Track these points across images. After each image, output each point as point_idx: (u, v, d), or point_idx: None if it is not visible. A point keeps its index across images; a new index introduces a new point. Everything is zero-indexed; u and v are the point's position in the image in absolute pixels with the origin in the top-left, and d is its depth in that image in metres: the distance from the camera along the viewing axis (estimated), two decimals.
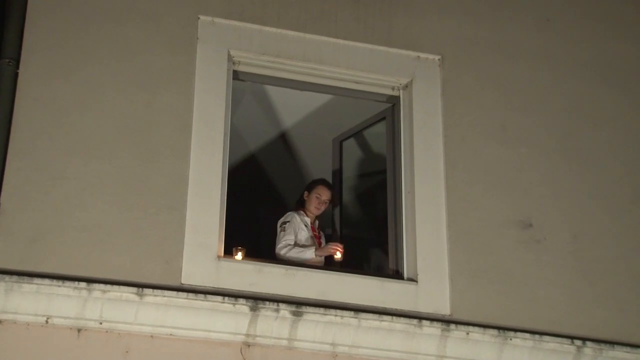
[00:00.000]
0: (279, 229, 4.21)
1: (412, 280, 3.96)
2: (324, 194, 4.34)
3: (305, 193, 4.37)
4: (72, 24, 3.96)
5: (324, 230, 4.53)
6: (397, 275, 4.02)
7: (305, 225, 4.24)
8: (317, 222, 4.38)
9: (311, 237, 4.24)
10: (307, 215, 4.31)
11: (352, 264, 4.22)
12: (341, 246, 4.04)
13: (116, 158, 3.81)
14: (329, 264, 4.19)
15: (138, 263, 3.66)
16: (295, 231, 4.17)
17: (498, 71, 4.40)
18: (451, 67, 4.34)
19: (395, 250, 4.09)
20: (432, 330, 3.76)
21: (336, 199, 4.53)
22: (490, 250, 4.06)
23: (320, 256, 4.07)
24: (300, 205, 4.37)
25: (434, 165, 4.15)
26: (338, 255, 3.99)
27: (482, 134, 4.25)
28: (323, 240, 4.38)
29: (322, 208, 4.34)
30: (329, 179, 4.71)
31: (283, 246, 4.09)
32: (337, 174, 4.80)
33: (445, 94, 4.29)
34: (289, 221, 4.20)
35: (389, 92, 4.33)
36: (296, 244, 4.12)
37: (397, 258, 4.07)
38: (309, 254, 4.04)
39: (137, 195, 3.76)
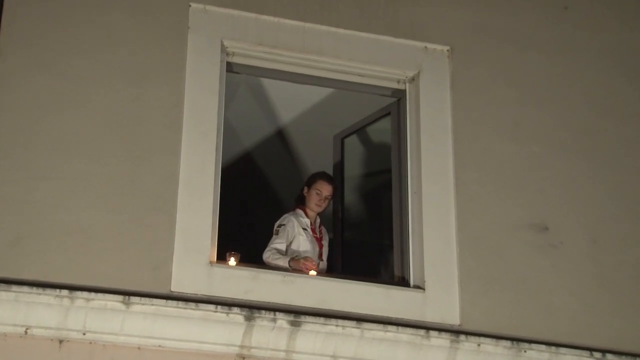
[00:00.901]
0: (273, 232, 4.21)
1: (419, 287, 3.96)
2: (325, 189, 4.29)
3: (305, 189, 4.33)
4: (53, 12, 3.95)
5: (316, 223, 4.45)
6: (403, 282, 4.03)
7: (305, 228, 4.22)
8: (318, 219, 4.35)
9: (311, 240, 4.22)
10: (307, 215, 4.28)
11: (355, 270, 4.24)
12: (315, 265, 3.98)
13: (101, 156, 3.82)
14: (330, 270, 4.22)
15: (124, 269, 3.66)
16: (289, 237, 4.14)
17: (511, 63, 4.40)
18: (461, 59, 4.34)
19: (401, 255, 4.10)
20: (440, 341, 3.76)
21: (337, 194, 4.49)
22: (503, 255, 4.06)
23: (292, 266, 4.02)
24: (299, 203, 4.33)
25: (442, 164, 4.15)
26: (312, 273, 3.95)
27: (494, 131, 4.26)
28: (326, 242, 4.35)
29: (324, 205, 4.29)
30: (332, 177, 4.68)
31: (267, 250, 4.06)
32: (339, 173, 4.80)
33: (455, 87, 4.28)
34: (284, 224, 4.19)
35: (394, 85, 4.33)
36: (287, 250, 4.11)
37: (403, 264, 4.08)
38: (284, 263, 3.99)
39: (123, 196, 3.77)
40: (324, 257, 4.23)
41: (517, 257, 4.06)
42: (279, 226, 4.19)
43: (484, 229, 4.07)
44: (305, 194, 4.31)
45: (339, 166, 4.82)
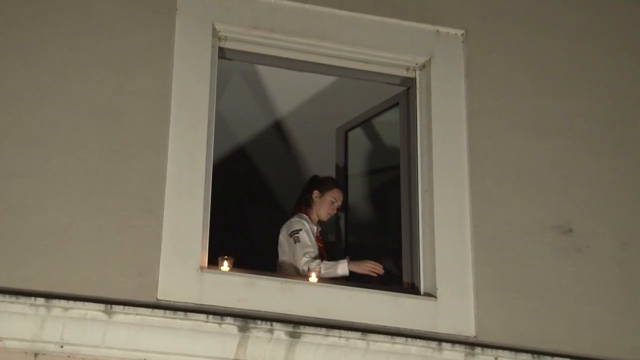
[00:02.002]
0: (288, 240, 4.16)
1: (431, 295, 3.96)
2: (339, 198, 4.32)
3: (316, 193, 4.32)
4: None
5: (326, 237, 4.54)
6: (413, 289, 4.03)
7: (313, 234, 4.21)
8: (319, 227, 4.35)
9: (317, 248, 4.20)
10: (312, 221, 4.28)
11: (360, 277, 4.21)
12: (381, 267, 4.01)
13: (80, 151, 3.82)
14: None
15: (106, 275, 3.66)
16: (312, 240, 4.13)
17: (532, 48, 4.39)
18: (476, 44, 4.33)
19: (411, 260, 4.10)
20: (454, 354, 3.76)
21: (346, 206, 4.55)
22: (523, 260, 4.05)
23: (354, 271, 4.03)
24: (304, 207, 4.31)
25: (455, 159, 4.15)
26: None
27: (513, 123, 4.26)
28: (324, 253, 4.34)
29: (332, 215, 4.33)
30: (332, 174, 4.71)
31: (308, 261, 4.04)
32: (342, 169, 4.80)
33: (470, 75, 4.28)
34: (300, 229, 4.16)
35: (403, 73, 4.33)
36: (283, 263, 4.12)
37: (413, 269, 4.08)
38: (342, 268, 4.00)
39: (105, 196, 3.77)
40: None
41: (539, 262, 4.06)
42: (295, 232, 4.15)
43: (502, 231, 4.07)
44: (315, 199, 4.30)
45: (342, 162, 4.83)
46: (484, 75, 4.29)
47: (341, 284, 3.95)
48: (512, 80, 4.32)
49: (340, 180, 4.66)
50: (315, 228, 4.26)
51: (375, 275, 4.01)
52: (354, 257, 4.21)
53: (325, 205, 4.28)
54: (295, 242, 4.12)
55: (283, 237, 4.21)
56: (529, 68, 4.35)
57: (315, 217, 4.30)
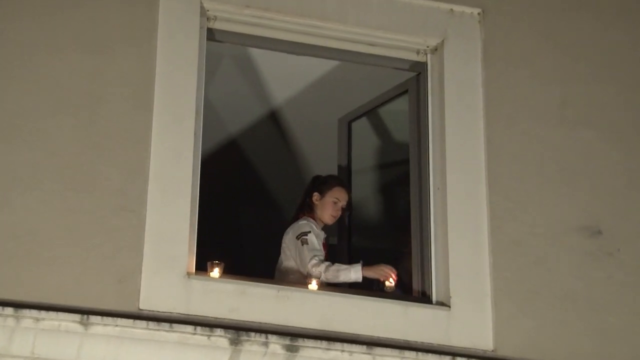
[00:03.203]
0: (295, 243, 4.17)
1: (444, 304, 3.96)
2: (343, 198, 4.31)
3: (316, 195, 4.33)
4: None
5: (327, 240, 4.51)
6: (424, 298, 4.03)
7: (320, 240, 4.20)
8: (324, 234, 4.34)
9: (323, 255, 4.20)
10: (318, 227, 4.27)
11: (364, 284, 4.20)
12: (395, 273, 4.02)
13: (53, 144, 3.81)
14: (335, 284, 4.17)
15: (82, 282, 3.66)
16: (320, 245, 4.13)
17: (557, 29, 4.39)
18: (495, 24, 4.33)
19: (421, 265, 4.10)
20: None
21: (350, 204, 4.51)
22: (547, 265, 4.06)
23: (367, 277, 4.03)
24: (307, 211, 4.31)
25: (471, 153, 4.15)
26: (390, 283, 3.99)
27: (536, 112, 4.26)
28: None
29: (338, 217, 4.31)
30: (334, 170, 4.72)
31: (318, 262, 4.03)
32: (344, 164, 4.80)
33: (487, 59, 4.28)
34: (309, 231, 4.16)
35: (413, 57, 4.33)
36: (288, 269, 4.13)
37: (424, 275, 4.08)
38: (355, 273, 4.00)
39: (80, 193, 3.77)
40: None
41: (564, 268, 4.07)
42: (303, 235, 4.15)
43: (523, 233, 4.08)
44: (316, 201, 4.31)
45: (345, 156, 4.83)
46: (503, 59, 4.29)
47: (344, 291, 3.95)
48: (534, 64, 4.31)
49: (343, 177, 4.67)
50: (322, 234, 4.26)
51: (389, 282, 3.99)
52: (358, 260, 4.20)
53: (327, 207, 4.28)
54: (302, 245, 4.12)
55: (289, 240, 4.21)
56: (553, 51, 4.35)
57: (320, 223, 4.29)
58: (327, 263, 4.04)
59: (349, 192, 4.37)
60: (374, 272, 4.03)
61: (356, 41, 4.28)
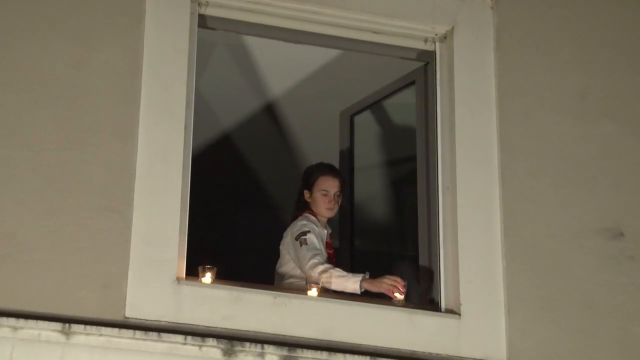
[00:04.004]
0: (294, 244, 4.16)
1: (453, 312, 3.97)
2: (331, 185, 4.28)
3: (305, 193, 4.33)
4: None
5: (332, 237, 4.50)
6: (432, 305, 4.04)
7: (322, 240, 4.20)
8: (329, 229, 4.33)
9: (326, 256, 4.19)
10: (320, 223, 4.25)
11: (368, 290, 4.15)
12: (403, 284, 3.92)
13: (32, 140, 3.81)
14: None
15: (63, 288, 3.66)
16: (321, 245, 4.11)
17: (576, 14, 4.39)
18: (509, 9, 4.33)
19: (429, 269, 4.11)
20: None
21: (346, 185, 4.48)
22: (564, 270, 4.06)
23: (367, 290, 3.97)
24: (305, 209, 4.30)
25: (483, 149, 4.15)
26: (399, 297, 3.91)
27: (553, 105, 4.25)
28: (335, 262, 4.31)
29: (336, 206, 4.30)
30: (336, 165, 4.68)
31: (317, 263, 4.00)
32: (347, 160, 4.82)
33: (501, 48, 4.28)
34: (309, 231, 4.15)
35: (421, 45, 4.33)
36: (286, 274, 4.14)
37: (432, 281, 4.08)
38: (353, 284, 3.95)
39: (62, 193, 3.76)
40: None
41: (583, 272, 4.07)
42: (302, 235, 4.14)
43: (539, 236, 4.08)
44: (308, 200, 4.31)
45: (348, 152, 4.84)
46: (517, 48, 4.29)
47: (346, 298, 3.94)
48: (551, 53, 4.31)
49: (344, 175, 4.65)
50: (325, 232, 4.25)
51: (398, 295, 3.91)
52: (361, 265, 4.20)
53: (319, 201, 4.27)
54: (301, 245, 4.11)
55: (288, 241, 4.20)
56: (572, 38, 4.35)
57: (321, 218, 4.28)
58: (327, 265, 4.01)
59: (337, 176, 4.31)
60: (376, 287, 3.92)
61: (359, 28, 4.28)
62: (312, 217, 4.26)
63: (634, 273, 4.08)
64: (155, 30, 3.98)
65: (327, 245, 4.25)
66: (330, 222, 4.48)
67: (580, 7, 4.40)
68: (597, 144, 4.23)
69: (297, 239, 4.15)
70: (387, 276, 3.97)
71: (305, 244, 4.10)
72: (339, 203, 4.32)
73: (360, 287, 3.94)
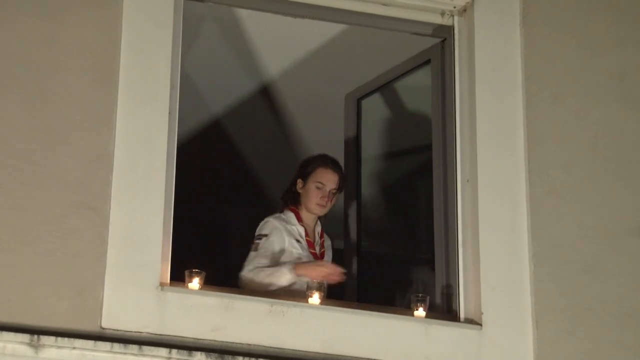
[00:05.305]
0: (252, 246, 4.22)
1: (474, 322, 3.97)
2: (329, 180, 4.30)
3: (298, 183, 4.34)
4: None
5: (332, 241, 4.51)
6: (450, 315, 4.03)
7: (298, 240, 4.22)
8: (319, 226, 4.35)
9: (307, 256, 4.21)
10: (302, 219, 4.28)
11: (376, 298, 4.29)
12: (341, 271, 3.97)
13: None
14: (339, 296, 4.20)
15: (32, 296, 3.65)
16: (274, 252, 4.15)
17: None
18: None
19: (446, 275, 4.10)
20: None
21: (350, 184, 4.51)
22: (599, 274, 4.06)
23: (301, 276, 4.03)
24: (291, 202, 4.32)
25: (508, 137, 4.15)
26: (317, 291, 3.91)
27: (587, 87, 4.26)
28: (328, 257, 4.34)
29: (329, 204, 4.32)
30: (340, 156, 4.69)
31: (247, 270, 4.09)
32: (352, 150, 4.81)
33: (527, 22, 4.28)
34: (266, 235, 4.20)
35: (437, 19, 4.33)
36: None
37: (449, 287, 4.08)
38: (285, 275, 4.01)
39: (29, 187, 3.76)
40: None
41: (620, 277, 4.07)
42: (259, 237, 4.20)
43: (571, 236, 4.09)
44: (299, 190, 4.32)
45: (353, 141, 4.85)
46: (546, 22, 4.29)
47: (352, 306, 3.95)
48: (585, 29, 4.31)
49: (350, 166, 4.65)
50: (303, 229, 4.26)
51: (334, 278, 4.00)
52: (368, 269, 4.19)
53: (312, 194, 4.28)
54: (251, 250, 4.16)
55: None
56: (608, 12, 4.35)
57: (307, 215, 4.29)
58: (256, 270, 4.06)
59: (338, 172, 4.33)
60: (307, 271, 3.98)
61: (367, 0, 4.28)
62: (290, 214, 4.27)
63: None
64: (135, 3, 3.98)
65: (309, 245, 4.24)
66: (332, 220, 4.50)
67: None
68: (636, 132, 4.24)
69: (254, 241, 4.20)
70: (324, 262, 4.07)
71: (255, 250, 4.15)
72: (333, 202, 4.32)
73: (295, 275, 3.99)
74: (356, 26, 4.52)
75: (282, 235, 4.19)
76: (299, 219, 4.28)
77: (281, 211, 4.32)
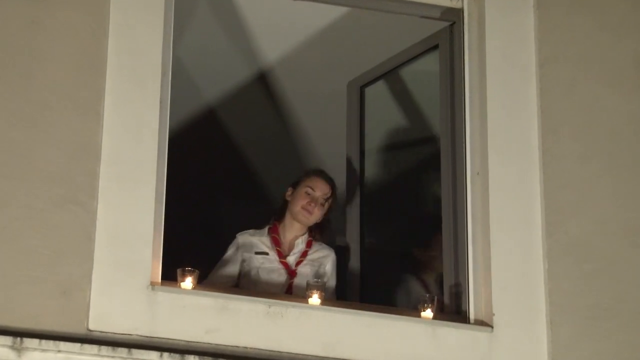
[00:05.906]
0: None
1: (485, 324, 3.97)
2: (319, 187, 4.34)
3: (289, 190, 4.39)
4: None
5: (333, 239, 4.52)
6: (459, 316, 4.03)
7: (263, 252, 4.27)
8: (302, 239, 4.35)
9: (274, 271, 4.26)
10: (278, 232, 4.32)
11: (381, 298, 4.28)
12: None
13: None
14: (341, 297, 4.22)
15: (14, 296, 3.66)
16: (229, 268, 4.22)
17: None
18: None
19: (455, 274, 4.10)
20: None
21: (335, 200, 4.50)
22: (616, 273, 4.07)
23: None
24: (278, 215, 4.38)
25: (521, 127, 4.15)
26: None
27: (605, 73, 4.26)
28: (313, 268, 4.33)
29: (316, 212, 4.33)
30: (342, 147, 4.72)
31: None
32: (355, 140, 4.82)
33: (541, 5, 4.30)
34: (226, 252, 4.31)
35: (445, 1, 4.34)
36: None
37: (459, 287, 4.08)
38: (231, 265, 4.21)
39: (12, 180, 3.76)
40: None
41: (639, 276, 4.06)
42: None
43: (587, 233, 4.09)
44: (288, 198, 4.38)
45: (356, 130, 4.85)
46: (562, 4, 4.30)
47: (354, 307, 3.95)
48: (603, 11, 4.32)
49: (352, 157, 4.65)
50: (268, 240, 4.30)
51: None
52: (372, 268, 4.18)
53: (299, 198, 4.33)
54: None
55: None
56: None
57: (292, 225, 4.32)
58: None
59: (331, 185, 4.37)
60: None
61: None
62: (264, 230, 4.32)
63: None
64: None
65: (279, 254, 4.27)
66: (336, 221, 4.50)
67: None
68: None
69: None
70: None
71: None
72: (322, 213, 4.33)
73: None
74: (359, 9, 4.54)
75: (235, 251, 4.29)
76: (272, 231, 4.32)
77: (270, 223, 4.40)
